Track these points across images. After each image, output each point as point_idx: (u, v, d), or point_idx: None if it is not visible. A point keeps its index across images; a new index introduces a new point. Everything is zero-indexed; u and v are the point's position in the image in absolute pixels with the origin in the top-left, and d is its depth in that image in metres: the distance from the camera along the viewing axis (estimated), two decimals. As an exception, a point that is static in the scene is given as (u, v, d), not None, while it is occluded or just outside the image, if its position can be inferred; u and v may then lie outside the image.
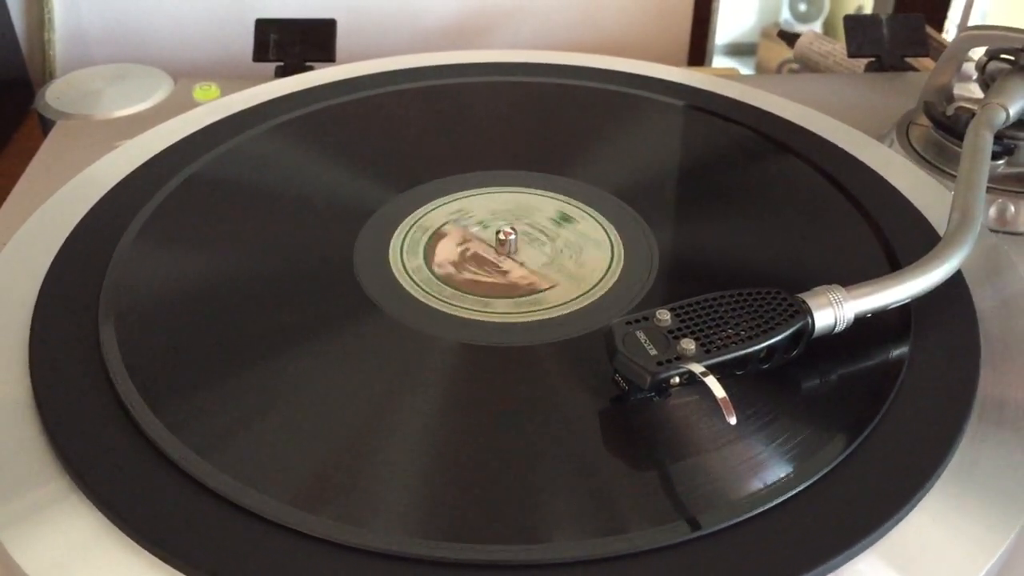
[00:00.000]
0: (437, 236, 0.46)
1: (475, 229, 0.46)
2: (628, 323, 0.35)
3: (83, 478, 0.32)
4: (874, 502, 0.32)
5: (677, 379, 0.34)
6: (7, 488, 0.32)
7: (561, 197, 0.49)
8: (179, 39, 0.82)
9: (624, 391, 0.35)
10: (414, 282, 0.42)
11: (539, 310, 0.41)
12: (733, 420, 0.32)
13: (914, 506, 0.32)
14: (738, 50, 0.94)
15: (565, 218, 0.47)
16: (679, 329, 0.35)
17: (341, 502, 0.32)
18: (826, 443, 0.34)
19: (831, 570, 0.30)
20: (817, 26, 0.96)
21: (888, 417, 0.35)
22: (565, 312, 0.41)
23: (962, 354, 0.38)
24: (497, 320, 0.40)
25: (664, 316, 0.35)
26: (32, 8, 0.79)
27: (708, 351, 0.34)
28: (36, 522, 0.31)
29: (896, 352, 0.38)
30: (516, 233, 0.45)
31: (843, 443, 0.33)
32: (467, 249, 0.45)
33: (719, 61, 0.91)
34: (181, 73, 0.66)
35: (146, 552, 0.30)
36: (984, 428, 0.35)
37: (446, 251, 0.45)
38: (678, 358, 0.34)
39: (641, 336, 0.35)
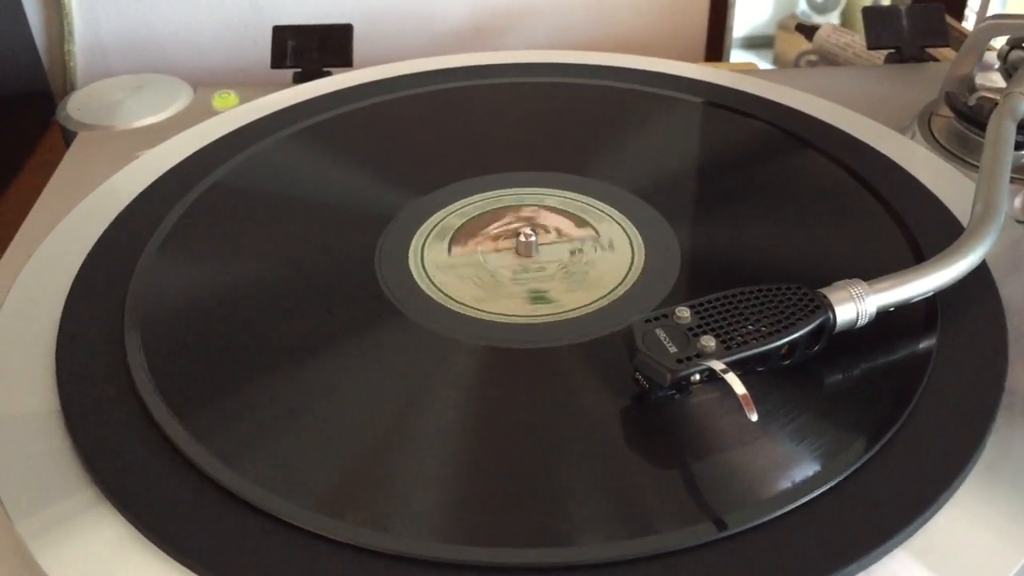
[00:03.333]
0: (458, 237, 0.46)
1: (516, 224, 0.46)
2: (648, 321, 0.35)
3: (110, 488, 0.32)
4: (904, 499, 0.31)
5: (698, 376, 0.34)
6: (35, 499, 0.32)
7: (581, 197, 0.49)
8: (197, 48, 0.82)
9: (645, 390, 0.35)
10: (435, 286, 0.42)
11: (561, 311, 0.41)
12: (754, 417, 0.32)
13: (945, 502, 0.31)
14: (755, 43, 0.93)
15: (586, 218, 0.47)
16: (699, 326, 0.35)
17: (367, 507, 0.31)
18: (854, 439, 0.33)
19: (862, 568, 0.29)
20: (835, 17, 0.96)
21: (916, 412, 0.34)
22: (587, 312, 0.41)
23: (990, 347, 0.37)
24: (519, 322, 0.40)
25: (684, 314, 0.35)
26: (52, 21, 0.79)
27: (728, 348, 0.34)
28: (64, 532, 0.31)
29: (923, 346, 0.37)
30: (536, 234, 0.44)
31: (871, 439, 0.33)
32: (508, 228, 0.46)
33: (736, 55, 0.90)
34: (200, 82, 0.67)
35: (174, 561, 0.30)
36: (1014, 421, 0.34)
37: (483, 228, 0.46)
38: (698, 355, 0.34)
39: (661, 334, 0.34)
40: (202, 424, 0.35)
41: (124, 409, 0.35)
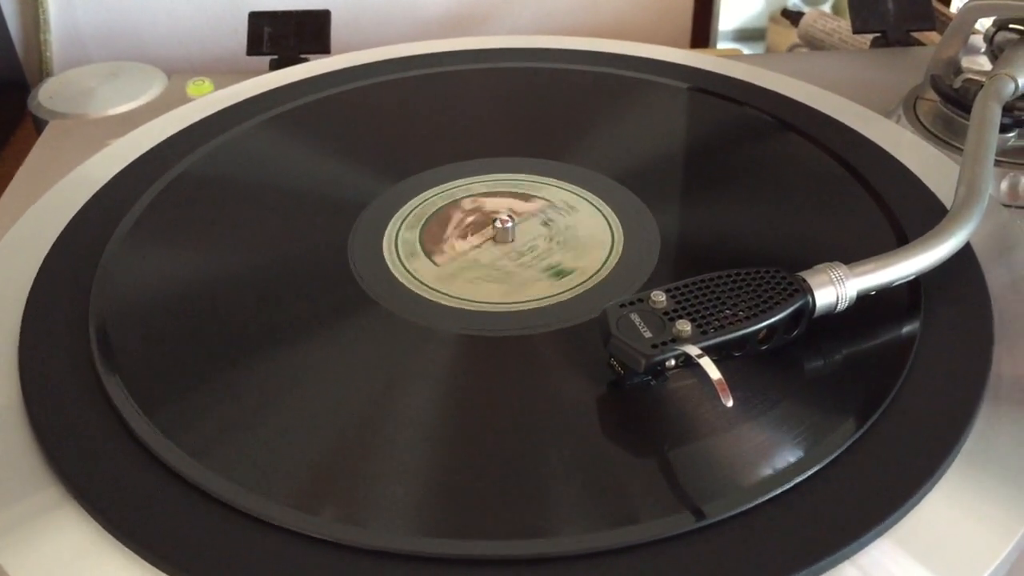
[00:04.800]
0: (441, 213, 0.45)
1: (472, 217, 0.45)
2: (622, 306, 0.34)
3: (76, 485, 0.31)
4: (888, 486, 0.31)
5: (673, 362, 0.33)
6: (-1, 497, 0.31)
7: (560, 183, 0.48)
8: (175, 36, 0.81)
9: (620, 375, 0.34)
10: (409, 273, 0.42)
11: (538, 298, 0.40)
12: (730, 403, 0.31)
13: (929, 489, 0.31)
14: (747, 35, 0.93)
15: (564, 205, 0.46)
16: (675, 311, 0.34)
17: (342, 502, 0.31)
18: (836, 426, 0.33)
19: (845, 558, 0.29)
20: (826, 8, 0.95)
21: (900, 397, 0.34)
22: (564, 299, 0.40)
23: (975, 331, 0.37)
24: (495, 310, 0.40)
25: (660, 298, 0.34)
26: (26, 9, 0.78)
27: (705, 332, 0.34)
28: (29, 531, 0.30)
29: (907, 331, 0.37)
30: (513, 221, 0.44)
31: (854, 425, 0.33)
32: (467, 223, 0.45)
33: (726, 46, 0.89)
34: (178, 70, 0.66)
35: (144, 561, 0.29)
36: (999, 407, 0.34)
37: (444, 231, 0.45)
38: (673, 340, 0.33)
39: (636, 319, 0.34)
40: (171, 418, 0.34)
41: (90, 403, 0.34)
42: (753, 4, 0.91)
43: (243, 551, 0.29)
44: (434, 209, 0.46)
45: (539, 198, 0.46)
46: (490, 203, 0.46)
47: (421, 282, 0.41)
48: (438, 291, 0.41)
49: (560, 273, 0.41)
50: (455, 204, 0.47)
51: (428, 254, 0.43)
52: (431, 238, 0.44)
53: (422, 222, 0.45)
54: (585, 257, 0.42)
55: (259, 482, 0.31)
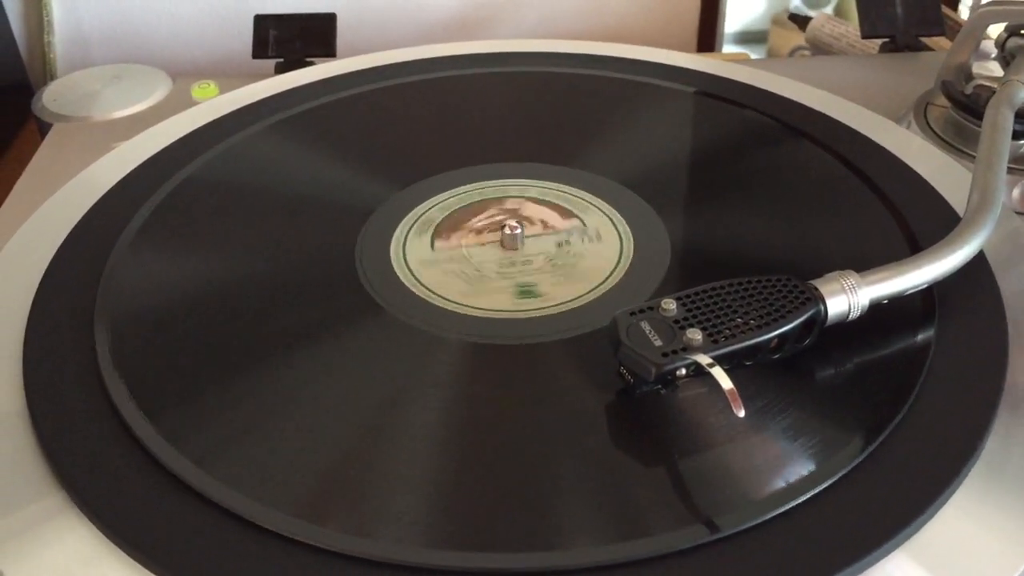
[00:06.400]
0: (441, 231, 0.45)
1: (482, 222, 0.45)
2: (632, 313, 0.34)
3: (79, 492, 0.31)
4: (902, 499, 0.30)
5: (683, 371, 0.33)
6: (1, 504, 0.31)
7: (569, 188, 0.48)
8: (180, 38, 0.81)
9: (629, 384, 0.34)
10: (418, 280, 0.41)
11: (548, 306, 0.40)
12: (741, 413, 0.31)
13: (944, 502, 0.30)
14: (748, 38, 0.93)
15: (571, 209, 0.46)
16: (685, 319, 0.34)
17: (347, 512, 0.31)
18: (849, 437, 0.32)
19: (859, 572, 0.28)
20: (828, 11, 0.95)
21: (914, 409, 0.33)
22: (574, 307, 0.40)
23: (989, 341, 0.36)
24: (504, 316, 0.39)
25: (670, 306, 0.34)
26: (31, 12, 0.78)
27: (716, 341, 0.33)
28: (31, 538, 0.30)
29: (921, 340, 0.36)
30: (522, 227, 0.43)
31: (868, 437, 0.32)
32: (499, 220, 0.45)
33: (729, 50, 0.89)
34: (183, 72, 0.66)
35: (145, 570, 0.29)
36: (1015, 418, 0.34)
37: (469, 220, 0.45)
38: (684, 349, 0.33)
39: (646, 327, 0.34)
40: (175, 425, 0.33)
41: (94, 409, 0.34)
42: (755, 7, 0.91)
43: (246, 560, 0.29)
44: (471, 201, 0.47)
45: (578, 218, 0.45)
46: (529, 208, 0.46)
47: (411, 270, 0.42)
48: (414, 274, 0.41)
49: (527, 294, 0.41)
50: (495, 201, 0.47)
51: (435, 235, 0.43)
52: (450, 225, 0.45)
53: (431, 228, 0.45)
54: (563, 288, 0.41)
55: (263, 490, 0.31)
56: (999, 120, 0.45)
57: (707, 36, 0.87)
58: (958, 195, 0.44)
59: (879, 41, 0.69)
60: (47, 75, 0.79)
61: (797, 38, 0.84)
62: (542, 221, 0.45)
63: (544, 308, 0.40)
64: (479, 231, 0.45)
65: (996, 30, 0.55)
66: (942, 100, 0.54)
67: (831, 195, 0.47)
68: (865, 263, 0.36)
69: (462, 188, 0.48)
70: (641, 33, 0.85)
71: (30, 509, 0.31)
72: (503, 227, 0.43)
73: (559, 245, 0.44)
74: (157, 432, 0.33)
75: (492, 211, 0.46)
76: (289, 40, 0.65)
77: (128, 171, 0.48)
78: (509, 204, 0.47)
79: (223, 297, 0.41)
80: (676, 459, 0.32)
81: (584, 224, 0.45)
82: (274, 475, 0.32)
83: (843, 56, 0.74)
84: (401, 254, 0.43)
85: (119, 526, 0.30)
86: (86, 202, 0.46)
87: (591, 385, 0.36)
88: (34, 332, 0.38)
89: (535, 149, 0.51)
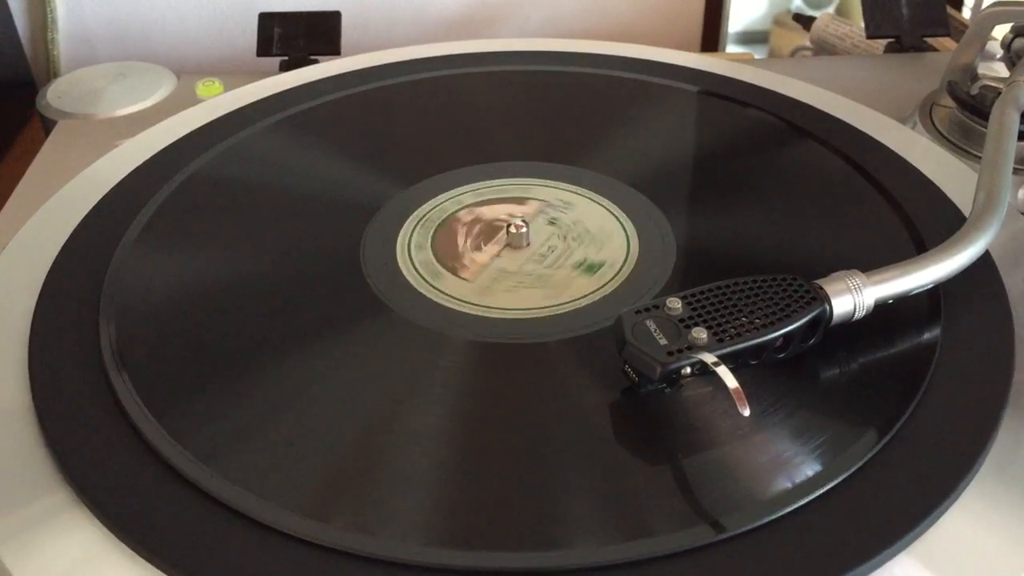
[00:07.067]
0: (445, 229, 0.45)
1: (477, 227, 0.45)
2: (637, 312, 0.34)
3: (85, 489, 0.31)
4: (907, 501, 0.30)
5: (689, 369, 0.33)
6: (6, 500, 0.31)
7: (574, 188, 0.47)
8: (184, 36, 0.81)
9: (634, 383, 0.34)
10: (423, 278, 0.41)
11: (552, 305, 0.40)
12: (747, 412, 0.31)
13: (950, 504, 0.30)
14: (750, 38, 0.92)
15: (560, 202, 0.46)
16: (691, 318, 0.34)
17: (352, 510, 0.30)
18: (855, 438, 0.32)
19: (864, 574, 0.28)
20: (830, 11, 0.95)
21: (920, 409, 0.33)
22: (579, 306, 0.40)
23: (995, 342, 0.36)
24: (509, 316, 0.39)
25: (675, 305, 0.34)
26: (35, 8, 0.78)
27: (721, 340, 0.33)
28: (37, 535, 0.30)
29: (926, 340, 0.36)
30: (528, 225, 0.43)
31: (873, 438, 0.32)
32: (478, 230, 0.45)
33: (731, 51, 0.89)
34: (187, 70, 0.66)
35: (151, 566, 0.29)
36: (1022, 420, 0.33)
37: (456, 241, 0.44)
38: (689, 348, 0.33)
39: (651, 325, 0.33)
40: (180, 422, 0.33)
41: (100, 406, 0.34)
42: (756, 7, 0.91)
43: (251, 557, 0.29)
44: (440, 218, 0.45)
45: (533, 199, 0.46)
46: (486, 212, 0.46)
47: (459, 299, 0.40)
48: (479, 305, 0.40)
49: (591, 268, 0.41)
50: (454, 217, 0.46)
51: (452, 271, 0.42)
52: (446, 253, 0.43)
53: (433, 229, 0.45)
54: (606, 247, 0.43)
55: (269, 488, 0.31)
56: (1005, 120, 0.45)
57: (711, 36, 0.87)
58: (963, 195, 0.44)
59: (884, 41, 0.69)
60: (51, 72, 0.79)
61: (798, 38, 0.84)
62: (508, 215, 0.45)
63: (547, 308, 0.40)
64: (477, 247, 0.44)
65: (1002, 31, 0.55)
66: (947, 100, 0.54)
67: (836, 195, 0.47)
68: (870, 263, 0.36)
69: (463, 188, 0.48)
70: (644, 34, 0.85)
71: (35, 506, 0.31)
72: (507, 229, 0.43)
73: (551, 223, 0.45)
74: (162, 429, 0.33)
75: (456, 227, 0.45)
76: (294, 38, 0.65)
77: (132, 168, 0.48)
78: (464, 217, 0.45)
79: (228, 295, 0.41)
80: (681, 459, 0.32)
81: (544, 200, 0.46)
82: (279, 473, 0.32)
83: (848, 56, 0.73)
84: (406, 251, 0.43)
85: (124, 523, 0.30)
86: (90, 199, 0.46)
87: (596, 384, 0.36)
88: (39, 329, 0.38)
89: (540, 148, 0.51)
